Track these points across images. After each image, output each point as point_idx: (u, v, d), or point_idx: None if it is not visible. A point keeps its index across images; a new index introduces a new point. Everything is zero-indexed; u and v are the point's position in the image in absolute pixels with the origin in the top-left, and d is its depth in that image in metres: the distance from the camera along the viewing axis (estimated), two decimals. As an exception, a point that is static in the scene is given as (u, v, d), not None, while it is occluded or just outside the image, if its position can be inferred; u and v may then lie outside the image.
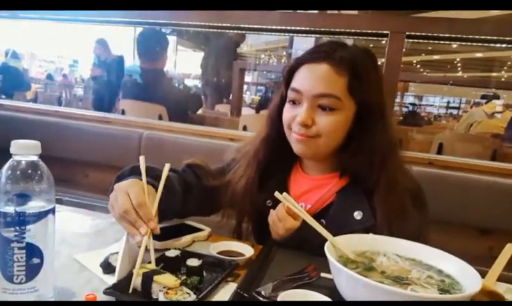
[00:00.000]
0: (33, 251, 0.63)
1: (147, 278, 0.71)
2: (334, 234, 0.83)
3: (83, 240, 1.01)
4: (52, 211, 0.66)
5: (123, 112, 2.71)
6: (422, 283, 0.70)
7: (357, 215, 1.00)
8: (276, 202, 1.01)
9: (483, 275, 0.78)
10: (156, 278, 0.71)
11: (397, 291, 0.62)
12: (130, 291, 0.72)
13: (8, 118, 2.11)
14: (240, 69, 3.91)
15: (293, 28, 2.01)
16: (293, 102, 1.04)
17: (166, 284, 0.71)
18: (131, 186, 0.87)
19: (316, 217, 0.92)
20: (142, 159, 0.92)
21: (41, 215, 0.63)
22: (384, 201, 0.99)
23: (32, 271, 0.63)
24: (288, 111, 1.05)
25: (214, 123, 3.06)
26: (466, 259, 0.76)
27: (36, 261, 0.64)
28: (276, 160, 1.12)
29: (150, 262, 0.81)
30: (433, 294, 0.66)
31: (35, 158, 0.65)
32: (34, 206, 0.63)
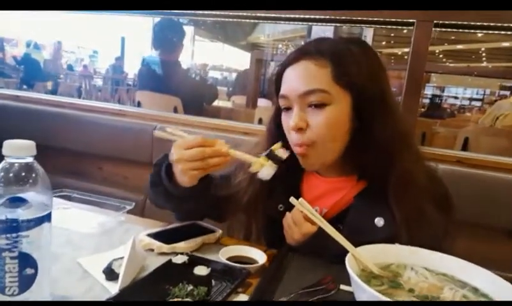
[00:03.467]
0: (27, 261, 0.58)
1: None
2: (354, 243, 0.76)
3: (89, 241, 0.97)
4: (48, 217, 0.61)
5: (139, 104, 2.67)
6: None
7: (379, 221, 0.92)
8: (289, 206, 0.93)
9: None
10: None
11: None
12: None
13: (23, 109, 2.08)
14: (257, 59, 3.82)
15: (312, 17, 1.92)
16: (287, 109, 0.98)
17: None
18: (180, 141, 0.94)
19: (333, 222, 0.83)
20: None
21: (35, 222, 0.58)
22: (398, 201, 0.90)
23: (25, 282, 0.59)
24: (284, 122, 0.99)
25: (228, 116, 3.00)
26: (494, 264, 0.70)
27: (29, 271, 0.59)
28: (282, 173, 1.01)
29: (153, 271, 0.75)
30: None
31: (30, 159, 0.59)
32: (27, 212, 0.58)
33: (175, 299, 0.67)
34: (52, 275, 0.76)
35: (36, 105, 2.12)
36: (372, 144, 0.91)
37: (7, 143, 0.58)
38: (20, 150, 0.58)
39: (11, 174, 0.58)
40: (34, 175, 0.59)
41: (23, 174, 0.58)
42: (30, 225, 0.58)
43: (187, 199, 0.99)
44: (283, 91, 0.97)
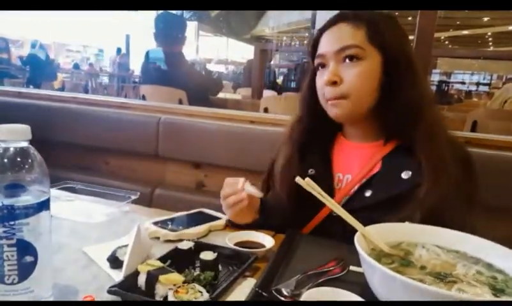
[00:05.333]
0: (25, 248, 0.57)
1: (151, 278, 0.64)
2: (383, 201, 0.92)
3: (94, 231, 0.96)
4: (46, 203, 0.59)
5: (143, 98, 2.65)
6: (470, 280, 0.60)
7: (405, 174, 0.94)
8: (321, 170, 1.05)
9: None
10: (161, 278, 0.64)
11: (443, 292, 0.52)
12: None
13: (26, 106, 2.07)
14: (261, 50, 3.79)
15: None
16: (322, 66, 1.03)
17: (171, 283, 0.64)
18: None
19: (362, 187, 0.98)
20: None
21: (33, 208, 0.57)
22: (425, 149, 0.94)
23: (25, 270, 0.57)
24: (319, 80, 1.04)
25: (235, 107, 2.98)
26: (507, 245, 0.67)
27: (29, 259, 0.57)
28: (313, 137, 1.10)
29: (159, 259, 0.74)
30: (487, 297, 0.56)
31: (25, 144, 0.58)
32: (25, 198, 0.56)
33: (181, 287, 0.65)
34: (56, 264, 0.75)
35: (39, 101, 2.10)
36: (400, 101, 0.96)
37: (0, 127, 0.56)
38: (14, 134, 0.56)
39: (5, 160, 0.56)
40: (30, 161, 0.57)
41: (18, 159, 0.56)
42: (28, 212, 0.56)
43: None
44: (319, 51, 1.02)
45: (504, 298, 0.56)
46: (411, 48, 1.04)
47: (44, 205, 0.58)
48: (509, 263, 0.65)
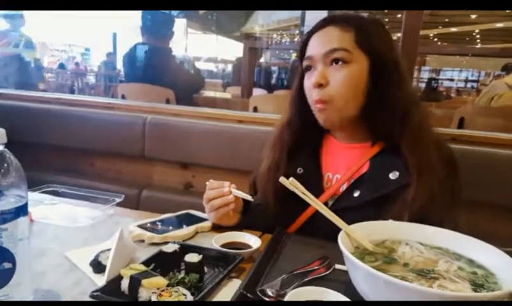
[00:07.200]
0: (3, 255, 0.56)
1: (134, 282, 0.63)
2: (371, 201, 0.93)
3: (77, 235, 0.94)
4: (24, 208, 0.58)
5: (123, 97, 2.60)
6: (452, 276, 0.61)
7: (393, 175, 0.95)
8: (309, 170, 1.06)
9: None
10: (144, 281, 0.63)
11: (424, 289, 0.52)
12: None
13: (8, 107, 2.03)
14: (250, 48, 3.76)
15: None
16: (310, 68, 1.03)
17: (155, 287, 0.63)
18: None
19: (351, 187, 0.98)
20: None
21: (10, 214, 0.56)
22: (411, 149, 0.95)
23: (3, 277, 0.56)
24: (307, 82, 1.04)
25: (224, 106, 2.97)
26: (495, 242, 0.67)
27: (6, 265, 0.56)
28: (302, 137, 1.10)
29: (142, 262, 0.73)
30: (468, 293, 0.56)
31: (0, 148, 0.56)
32: (1, 204, 0.55)
33: (165, 290, 0.65)
34: (38, 269, 0.75)
35: (21, 102, 2.06)
36: (386, 104, 0.97)
37: None
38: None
39: (-20, 165, 0.55)
40: (6, 165, 0.56)
41: (-7, 163, 0.55)
42: (5, 218, 0.55)
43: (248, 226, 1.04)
44: (308, 53, 1.03)
45: (483, 292, 0.56)
46: (398, 52, 1.05)
47: (22, 210, 0.57)
48: (489, 258, 0.65)
